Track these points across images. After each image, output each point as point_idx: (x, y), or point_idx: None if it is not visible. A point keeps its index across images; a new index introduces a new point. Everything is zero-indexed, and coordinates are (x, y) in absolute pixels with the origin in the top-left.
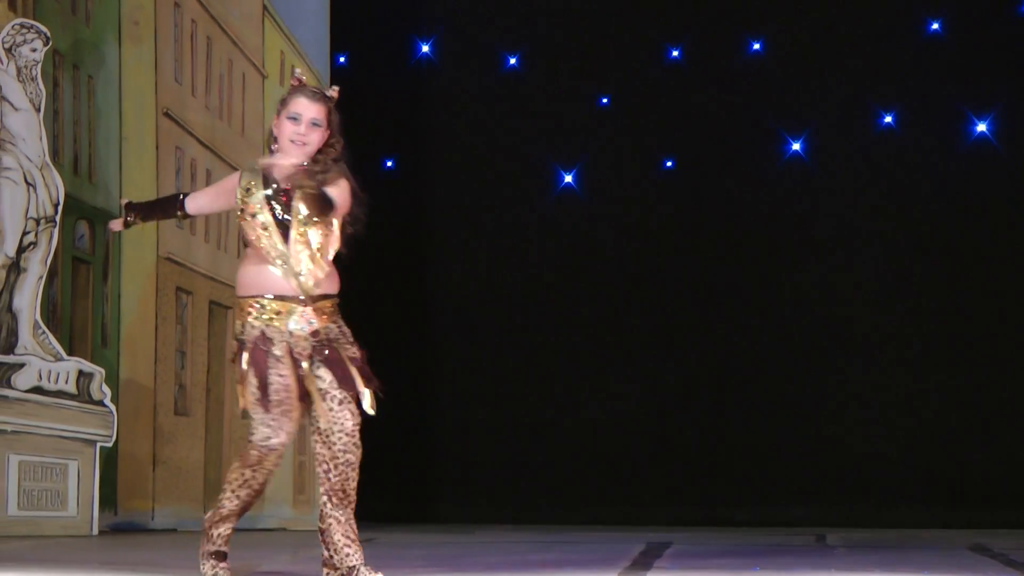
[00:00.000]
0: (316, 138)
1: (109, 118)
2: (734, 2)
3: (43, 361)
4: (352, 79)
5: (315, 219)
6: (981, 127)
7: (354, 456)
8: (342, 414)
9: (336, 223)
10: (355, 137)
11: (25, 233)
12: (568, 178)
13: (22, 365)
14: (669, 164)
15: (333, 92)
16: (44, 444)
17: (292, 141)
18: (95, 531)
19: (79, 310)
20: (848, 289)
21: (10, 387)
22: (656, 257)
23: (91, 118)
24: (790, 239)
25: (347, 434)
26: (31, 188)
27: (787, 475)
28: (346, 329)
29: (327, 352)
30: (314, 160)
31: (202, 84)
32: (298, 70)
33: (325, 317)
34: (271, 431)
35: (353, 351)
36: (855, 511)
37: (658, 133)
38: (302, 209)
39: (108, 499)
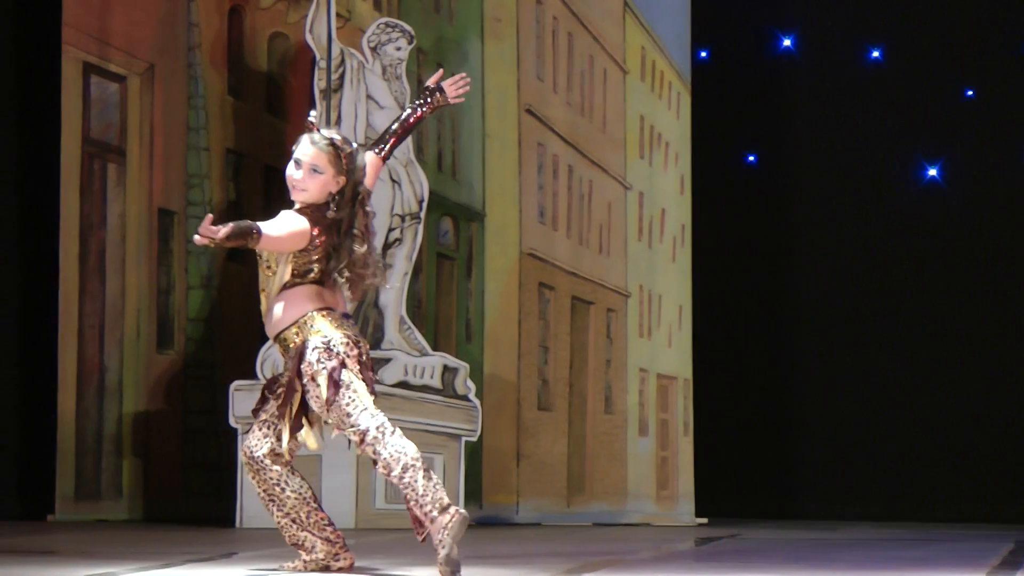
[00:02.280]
0: (315, 184)
1: (472, 115)
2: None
3: (408, 356)
4: (714, 73)
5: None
6: None
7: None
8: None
9: (287, 258)
10: (717, 132)
11: (391, 230)
12: (932, 171)
13: (388, 360)
14: None
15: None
16: (410, 438)
17: (289, 184)
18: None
19: (443, 306)
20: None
21: (377, 382)
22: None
23: (455, 115)
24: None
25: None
26: (396, 185)
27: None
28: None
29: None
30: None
31: (564, 80)
32: (313, 113)
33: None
34: None
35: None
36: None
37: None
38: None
39: (473, 493)
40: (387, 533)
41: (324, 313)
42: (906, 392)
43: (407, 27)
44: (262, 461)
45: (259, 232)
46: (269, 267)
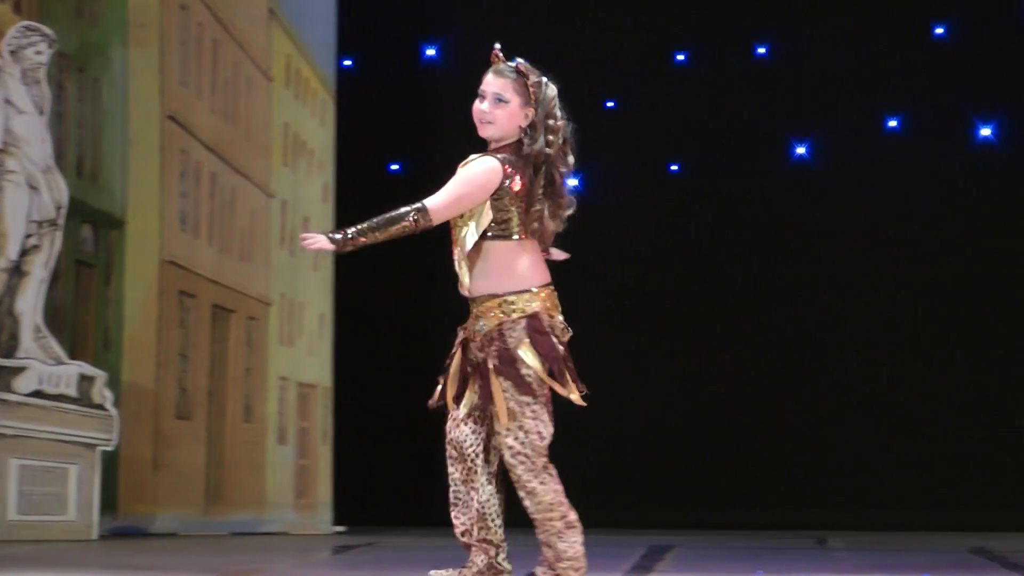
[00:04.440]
0: (502, 115)
1: (115, 121)
2: (739, 9)
3: (44, 365)
4: (358, 82)
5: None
6: (986, 131)
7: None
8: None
9: (473, 214)
10: (361, 140)
11: (27, 236)
12: (573, 181)
13: (23, 369)
14: (674, 168)
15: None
16: (45, 448)
17: (476, 119)
18: (96, 535)
19: (82, 314)
20: (853, 293)
21: (10, 391)
22: (657, 263)
23: (97, 121)
24: (792, 244)
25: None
26: (34, 191)
27: (789, 479)
28: (512, 333)
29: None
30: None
31: (208, 87)
32: (497, 45)
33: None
34: None
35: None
36: (856, 515)
37: (663, 137)
38: None
39: (109, 503)
40: (24, 544)
41: (549, 292)
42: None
43: (48, 31)
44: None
45: (423, 212)
46: (461, 216)
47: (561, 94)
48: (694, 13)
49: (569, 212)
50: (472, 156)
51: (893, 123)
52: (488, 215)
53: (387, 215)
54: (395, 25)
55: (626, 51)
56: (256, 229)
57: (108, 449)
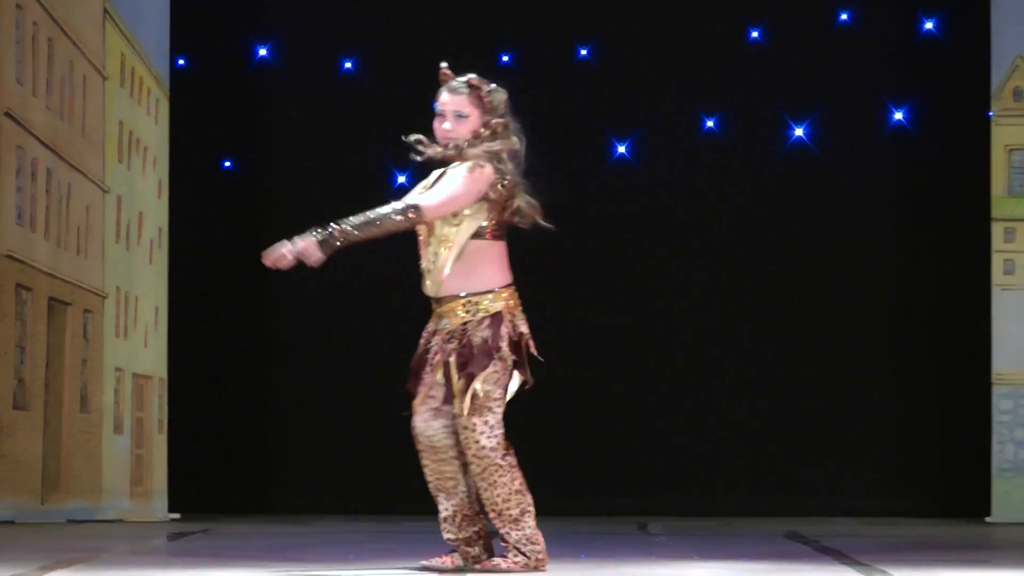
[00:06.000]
0: (464, 131)
1: None
2: (564, 11)
3: None
4: (192, 81)
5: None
6: (799, 131)
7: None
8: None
9: (466, 214)
10: (195, 137)
11: None
12: (402, 179)
13: None
14: None
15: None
16: None
17: (439, 138)
18: None
19: None
20: (672, 286)
21: None
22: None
23: None
24: (618, 239)
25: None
26: None
27: (609, 464)
28: (477, 332)
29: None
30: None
31: (44, 85)
32: (444, 64)
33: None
34: None
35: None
36: (676, 500)
37: None
38: None
39: None
40: None
41: (511, 291)
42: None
43: None
44: None
45: (417, 210)
46: (448, 221)
47: (391, 92)
48: (518, 16)
49: (526, 212)
50: (456, 163)
51: (710, 123)
52: (482, 217)
53: (376, 213)
54: (228, 25)
55: (452, 51)
56: (92, 224)
57: None
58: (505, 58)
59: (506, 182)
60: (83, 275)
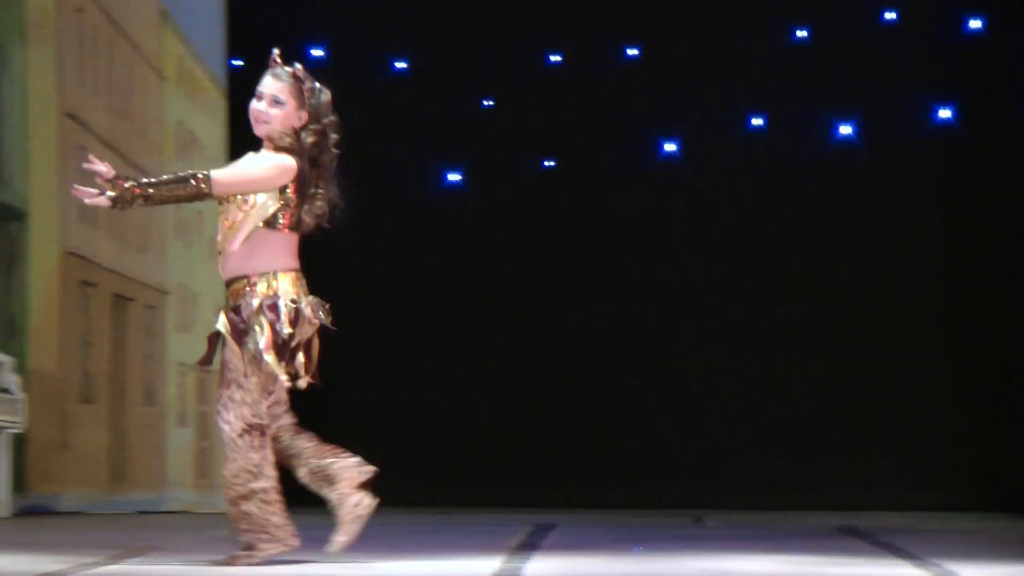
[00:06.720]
0: (278, 115)
1: (14, 118)
2: (612, 11)
3: None
4: (249, 81)
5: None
6: (846, 129)
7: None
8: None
9: (254, 199)
10: (253, 137)
11: None
12: (453, 176)
13: None
14: (550, 164)
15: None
16: None
17: (252, 117)
18: (7, 513)
19: None
20: (724, 282)
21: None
22: (538, 253)
23: None
24: (664, 236)
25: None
26: None
27: (667, 458)
28: (246, 311)
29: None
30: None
31: (104, 86)
32: (276, 50)
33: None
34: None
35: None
36: (731, 494)
37: (539, 135)
38: None
39: (18, 483)
40: None
41: (296, 277)
42: (426, 381)
43: None
44: None
45: (207, 180)
46: (239, 206)
47: (441, 92)
48: (567, 16)
49: (321, 212)
50: (264, 149)
51: (757, 121)
52: (271, 207)
53: (173, 175)
54: (282, 28)
55: (501, 53)
56: (151, 221)
57: (16, 432)
58: (554, 58)
59: (309, 183)
60: (145, 272)
